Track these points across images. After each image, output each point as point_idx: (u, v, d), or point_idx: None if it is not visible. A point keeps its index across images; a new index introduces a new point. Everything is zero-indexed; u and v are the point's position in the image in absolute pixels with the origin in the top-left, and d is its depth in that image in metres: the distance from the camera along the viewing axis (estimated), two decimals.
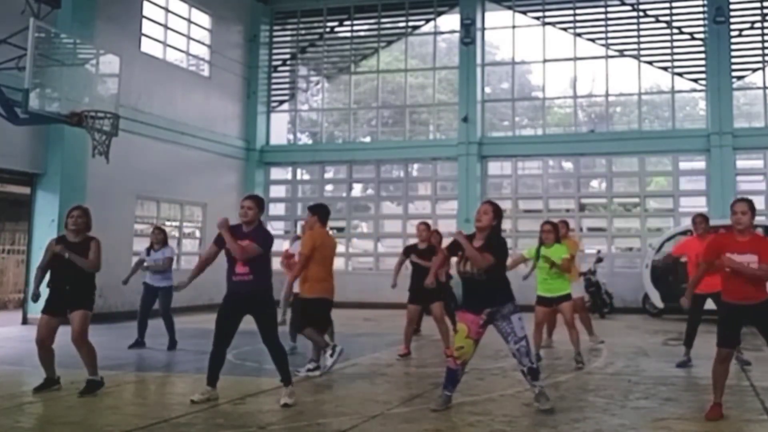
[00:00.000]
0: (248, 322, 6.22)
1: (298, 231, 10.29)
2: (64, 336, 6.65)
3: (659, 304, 15.03)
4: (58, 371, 6.70)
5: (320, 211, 7.79)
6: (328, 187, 22.09)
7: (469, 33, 19.01)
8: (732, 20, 17.61)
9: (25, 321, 13.14)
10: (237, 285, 6.12)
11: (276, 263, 9.59)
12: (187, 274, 6.35)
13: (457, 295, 9.91)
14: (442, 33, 20.77)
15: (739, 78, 17.93)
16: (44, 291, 6.67)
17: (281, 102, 21.06)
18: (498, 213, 6.01)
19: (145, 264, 10.09)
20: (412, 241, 18.91)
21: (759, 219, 15.45)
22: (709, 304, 7.78)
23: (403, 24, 20.31)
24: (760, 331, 5.72)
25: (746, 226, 5.68)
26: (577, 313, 9.67)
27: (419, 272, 9.15)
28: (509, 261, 8.42)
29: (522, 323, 5.89)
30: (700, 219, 8.56)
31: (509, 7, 19.30)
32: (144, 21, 16.41)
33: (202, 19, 18.64)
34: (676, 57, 18.24)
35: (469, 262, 5.85)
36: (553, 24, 19.08)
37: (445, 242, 9.71)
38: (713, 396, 5.67)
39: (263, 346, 6.25)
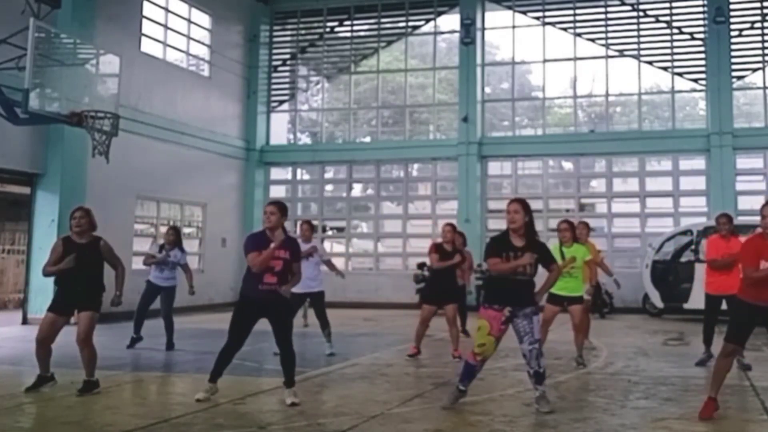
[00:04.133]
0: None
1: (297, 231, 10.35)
2: (65, 336, 6.65)
3: (659, 304, 15.03)
4: (59, 371, 6.70)
5: None
6: (328, 187, 22.09)
7: (469, 33, 19.01)
8: (732, 20, 17.62)
9: (25, 321, 13.15)
10: (263, 293, 6.14)
11: None
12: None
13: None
14: (442, 33, 20.77)
15: (739, 78, 17.95)
16: (46, 289, 6.68)
17: (281, 102, 21.07)
18: (528, 209, 5.97)
19: (154, 255, 9.98)
20: (413, 241, 19.15)
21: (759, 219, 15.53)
22: (724, 305, 7.79)
23: (403, 24, 20.31)
24: None
25: None
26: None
27: (439, 273, 9.11)
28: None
29: (539, 326, 5.91)
30: (724, 219, 8.31)
31: (509, 7, 19.31)
32: (144, 21, 16.41)
33: (202, 19, 18.64)
34: (676, 57, 18.25)
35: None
36: (553, 24, 19.09)
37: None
38: (710, 391, 5.62)
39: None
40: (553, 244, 8.81)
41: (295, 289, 9.48)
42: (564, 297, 8.28)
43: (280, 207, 6.36)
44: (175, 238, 10.06)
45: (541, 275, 6.05)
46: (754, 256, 5.58)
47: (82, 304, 6.46)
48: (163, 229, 13.93)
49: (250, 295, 6.20)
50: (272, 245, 6.10)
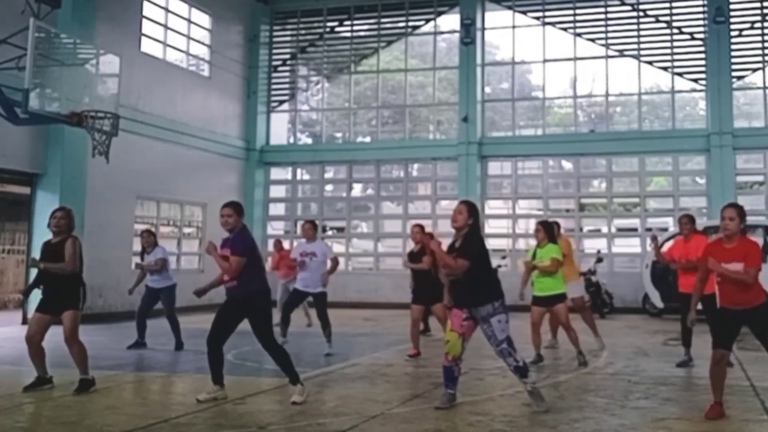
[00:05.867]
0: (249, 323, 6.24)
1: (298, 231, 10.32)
2: (59, 336, 6.65)
3: (659, 304, 15.02)
4: (57, 372, 6.70)
5: None
6: (328, 187, 22.09)
7: (469, 33, 19.01)
8: (732, 20, 17.62)
9: (25, 321, 13.10)
10: (228, 291, 6.32)
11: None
12: (188, 274, 6.35)
13: None
14: (442, 33, 20.77)
15: (739, 78, 17.94)
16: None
17: (281, 102, 21.06)
18: (473, 211, 6.04)
19: (142, 264, 10.09)
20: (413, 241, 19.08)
21: (759, 219, 15.59)
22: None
23: (403, 24, 20.31)
24: (756, 335, 5.70)
25: (733, 232, 5.67)
26: (579, 312, 9.64)
27: (419, 274, 9.24)
28: (522, 277, 8.69)
29: (503, 325, 5.85)
30: (685, 220, 8.38)
31: (509, 7, 19.30)
32: (144, 21, 16.41)
33: (202, 19, 18.64)
34: (676, 57, 18.25)
35: None
36: (553, 24, 19.08)
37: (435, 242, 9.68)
38: (713, 396, 5.67)
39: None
40: (530, 247, 8.96)
41: (297, 286, 9.55)
42: (544, 297, 8.32)
43: (236, 208, 6.36)
44: (153, 239, 10.18)
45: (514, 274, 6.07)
46: (705, 257, 5.81)
47: (61, 306, 6.51)
48: (164, 230, 13.97)
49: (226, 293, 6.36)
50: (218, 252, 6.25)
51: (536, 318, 8.47)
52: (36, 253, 12.78)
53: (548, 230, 8.48)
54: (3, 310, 16.49)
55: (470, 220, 5.98)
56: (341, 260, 20.15)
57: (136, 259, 10.45)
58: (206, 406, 5.94)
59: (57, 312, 6.55)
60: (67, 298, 6.54)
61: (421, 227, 9.47)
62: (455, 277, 5.92)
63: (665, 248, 9.88)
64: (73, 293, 6.59)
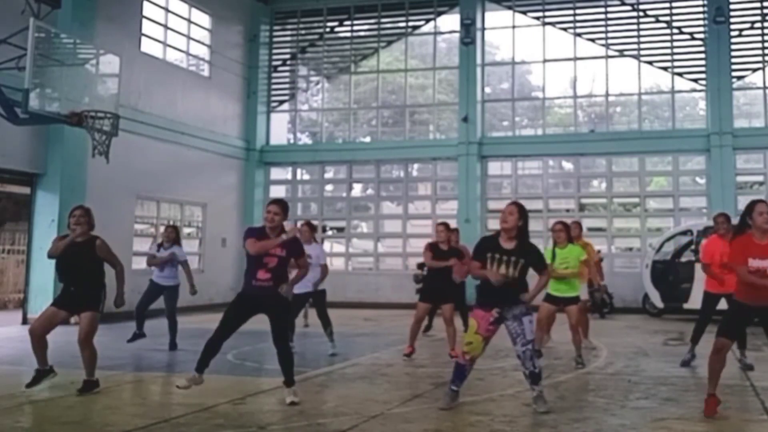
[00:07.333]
0: (251, 322, 6.24)
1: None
2: (64, 336, 6.65)
3: (659, 304, 15.03)
4: (59, 372, 6.70)
5: None
6: (328, 187, 22.09)
7: (469, 33, 19.01)
8: (732, 20, 17.62)
9: (25, 321, 13.12)
10: (256, 290, 6.14)
11: None
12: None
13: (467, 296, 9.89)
14: (442, 33, 20.77)
15: (739, 78, 17.94)
16: (46, 289, 6.70)
17: (281, 102, 21.06)
18: (523, 213, 5.99)
19: (154, 254, 10.04)
20: (413, 241, 19.15)
21: None
22: (722, 304, 7.78)
23: (403, 24, 20.31)
24: (766, 331, 5.72)
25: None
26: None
27: (433, 272, 9.09)
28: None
29: (532, 326, 5.91)
30: (722, 219, 8.32)
31: (509, 7, 19.30)
32: (144, 21, 16.40)
33: (202, 19, 18.64)
34: (676, 57, 18.25)
35: (504, 267, 5.80)
36: (553, 24, 19.08)
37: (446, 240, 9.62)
38: (708, 387, 5.66)
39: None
40: (546, 246, 8.87)
41: (297, 290, 9.51)
42: (559, 298, 8.31)
43: (284, 208, 6.34)
44: (175, 235, 10.11)
45: (533, 276, 6.06)
46: (741, 254, 5.67)
47: (82, 305, 6.47)
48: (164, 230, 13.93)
49: (246, 290, 6.23)
50: (282, 236, 6.11)
51: (544, 314, 8.50)
52: (37, 253, 12.93)
53: (569, 231, 8.52)
54: (3, 310, 16.49)
55: (520, 221, 5.93)
56: (341, 260, 20.43)
57: (151, 249, 10.31)
58: (206, 406, 5.94)
59: (75, 311, 6.53)
60: (87, 299, 6.51)
61: (446, 225, 9.24)
62: (509, 281, 5.81)
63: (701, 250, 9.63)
64: (96, 294, 6.57)
